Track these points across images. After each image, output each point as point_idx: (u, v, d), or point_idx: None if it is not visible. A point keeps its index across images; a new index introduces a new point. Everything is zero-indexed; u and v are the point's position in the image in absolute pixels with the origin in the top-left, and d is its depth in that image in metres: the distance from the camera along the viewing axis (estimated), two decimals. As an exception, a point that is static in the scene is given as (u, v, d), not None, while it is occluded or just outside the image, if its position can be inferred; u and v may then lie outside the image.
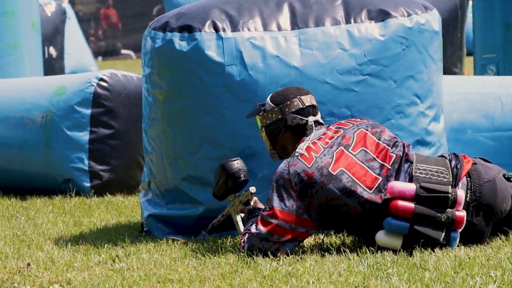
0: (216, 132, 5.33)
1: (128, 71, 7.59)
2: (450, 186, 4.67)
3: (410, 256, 4.63)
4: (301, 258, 4.70)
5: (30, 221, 6.17)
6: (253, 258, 4.70)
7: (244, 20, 5.30)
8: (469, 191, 4.76)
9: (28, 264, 4.83)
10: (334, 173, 4.70)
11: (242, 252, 4.77)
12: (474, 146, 5.73)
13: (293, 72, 5.25)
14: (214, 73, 5.25)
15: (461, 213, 4.66)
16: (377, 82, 5.31)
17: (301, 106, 4.93)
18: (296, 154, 4.77)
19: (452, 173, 4.74)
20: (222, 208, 5.25)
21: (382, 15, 5.33)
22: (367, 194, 4.71)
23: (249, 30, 5.28)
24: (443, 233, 4.66)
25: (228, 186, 5.07)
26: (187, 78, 5.30)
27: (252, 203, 5.03)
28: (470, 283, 4.11)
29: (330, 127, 4.90)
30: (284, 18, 5.33)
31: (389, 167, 4.75)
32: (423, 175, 4.71)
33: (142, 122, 5.65)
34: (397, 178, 4.73)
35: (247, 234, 4.78)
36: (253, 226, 4.76)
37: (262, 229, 4.73)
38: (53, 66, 13.57)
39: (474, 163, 4.84)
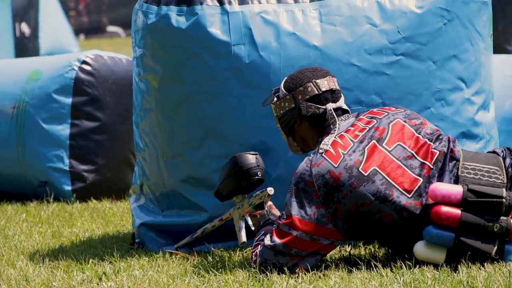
0: (221, 124, 5.35)
1: (116, 52, 7.60)
2: (504, 189, 4.64)
3: (455, 272, 4.63)
4: (324, 275, 4.71)
5: (0, 233, 6.18)
6: (266, 275, 4.70)
7: (253, -10, 5.32)
8: None
9: (-1, 284, 4.87)
10: (366, 174, 4.66)
11: (254, 268, 4.76)
12: (531, 139, 5.76)
13: (312, 53, 5.26)
14: (218, 55, 5.26)
15: None
16: (413, 63, 5.32)
17: (317, 92, 4.87)
18: (320, 151, 4.71)
19: (507, 173, 4.72)
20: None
21: (419, -17, 5.35)
22: (405, 199, 4.67)
23: (259, 2, 5.29)
24: (496, 246, 4.63)
25: (239, 183, 5.04)
26: (186, 61, 5.31)
27: (266, 208, 5.01)
28: None
29: (361, 116, 4.84)
30: (302, -13, 5.36)
31: (431, 166, 4.72)
32: (472, 176, 4.67)
33: (133, 113, 5.66)
34: (440, 179, 4.69)
35: (259, 246, 4.76)
36: (267, 237, 4.73)
37: (278, 241, 4.69)
38: (26, 46, 13.60)
39: None
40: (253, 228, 5.08)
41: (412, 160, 4.70)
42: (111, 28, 29.86)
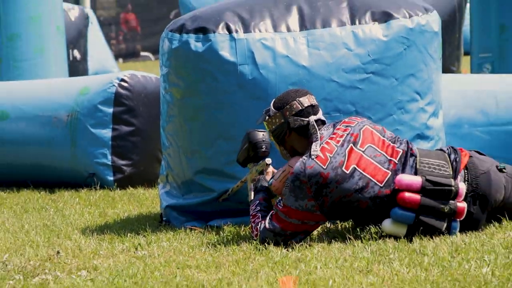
0: (229, 127, 5.34)
1: (147, 72, 7.60)
2: (452, 179, 4.67)
3: (410, 243, 4.63)
4: (309, 245, 4.71)
5: (59, 213, 6.18)
6: (265, 245, 4.70)
7: (255, 22, 5.30)
8: (466, 182, 4.76)
9: (58, 252, 4.86)
10: (348, 172, 4.69)
11: (255, 240, 4.78)
12: (470, 140, 5.73)
13: (301, 71, 5.25)
14: (227, 73, 5.25)
15: (462, 205, 4.67)
16: (380, 80, 5.30)
17: (300, 108, 4.84)
18: (312, 156, 4.71)
19: (452, 166, 4.75)
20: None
21: (385, 17, 5.32)
22: (378, 188, 4.71)
23: (260, 31, 5.28)
24: (445, 223, 4.67)
25: (249, 154, 5.07)
26: (203, 77, 5.30)
27: (264, 174, 5.02)
28: (466, 266, 4.13)
29: (338, 126, 4.85)
30: (293, 19, 5.33)
31: (397, 162, 4.75)
32: (427, 169, 4.71)
33: (160, 120, 5.66)
34: (404, 171, 4.73)
35: (261, 225, 4.78)
36: (268, 221, 4.77)
37: (276, 225, 4.74)
38: (77, 68, 13.58)
39: (471, 156, 4.84)
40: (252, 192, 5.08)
41: (381, 157, 4.74)
42: (143, 53, 29.72)
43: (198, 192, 5.46)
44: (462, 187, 4.68)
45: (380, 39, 5.30)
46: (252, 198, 5.01)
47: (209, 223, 5.41)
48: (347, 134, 4.77)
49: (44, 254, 4.86)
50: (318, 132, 4.80)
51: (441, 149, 4.89)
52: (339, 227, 5.12)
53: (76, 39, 13.97)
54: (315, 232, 4.96)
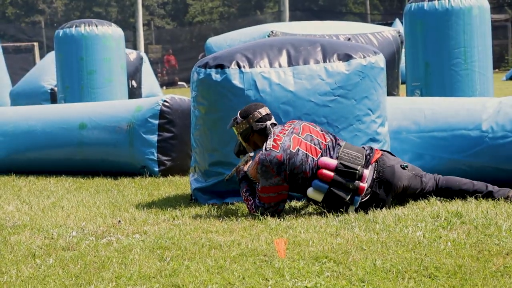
0: (239, 134, 5.24)
1: (182, 95, 7.51)
2: (360, 166, 4.61)
3: (366, 214, 4.55)
4: (295, 217, 4.62)
5: (120, 193, 6.09)
6: (264, 217, 4.62)
7: (257, 60, 5.22)
8: (375, 171, 4.67)
9: (119, 221, 4.79)
10: (294, 151, 4.65)
11: (255, 214, 4.69)
12: (407, 143, 5.66)
13: (289, 94, 5.16)
14: (237, 95, 5.15)
15: (363, 185, 4.60)
16: (344, 100, 5.20)
17: (259, 116, 4.85)
18: (268, 146, 4.69)
19: (366, 158, 4.69)
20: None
21: (347, 57, 5.25)
22: (314, 161, 4.66)
23: (260, 67, 5.20)
24: (349, 195, 4.58)
25: (240, 148, 5.01)
26: (220, 99, 5.21)
27: (247, 165, 4.93)
28: (405, 231, 4.09)
29: (285, 125, 4.84)
30: (283, 59, 5.25)
31: (326, 144, 4.71)
32: (346, 156, 4.65)
33: (190, 128, 5.58)
34: (330, 152, 4.68)
35: (254, 205, 4.71)
36: (257, 201, 4.71)
37: (262, 202, 4.68)
38: (134, 93, 13.52)
39: (382, 155, 4.77)
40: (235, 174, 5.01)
41: (315, 141, 4.71)
42: (180, 83, 29.77)
43: (214, 177, 5.35)
44: (366, 172, 4.60)
45: (343, 72, 5.21)
46: (238, 179, 4.94)
47: (224, 200, 5.30)
48: (290, 128, 4.75)
49: (109, 222, 4.79)
50: (271, 131, 4.78)
51: (363, 147, 4.83)
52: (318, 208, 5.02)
53: (134, 73, 13.92)
54: (298, 210, 4.87)
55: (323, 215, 4.61)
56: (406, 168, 4.78)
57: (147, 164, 7.06)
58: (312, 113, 5.14)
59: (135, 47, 24.77)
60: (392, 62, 9.25)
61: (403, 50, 8.88)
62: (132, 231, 4.47)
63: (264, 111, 4.88)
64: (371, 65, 5.26)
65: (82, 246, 4.13)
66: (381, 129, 5.34)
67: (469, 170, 5.35)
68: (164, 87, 27.57)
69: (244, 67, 5.18)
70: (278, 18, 26.31)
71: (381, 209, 4.65)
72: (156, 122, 7.07)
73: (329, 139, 4.74)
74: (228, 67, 5.18)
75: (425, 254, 3.60)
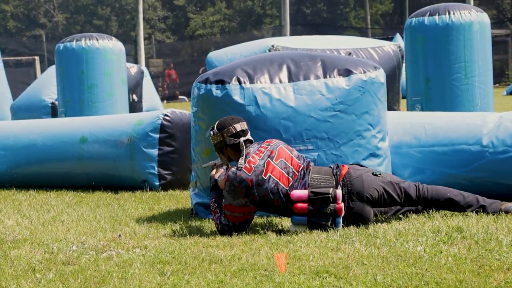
0: (240, 149, 5.24)
1: (183, 109, 7.53)
2: (331, 188, 4.59)
3: (367, 229, 4.55)
4: (296, 231, 4.62)
5: (120, 207, 6.10)
6: (264, 231, 4.62)
7: (257, 76, 5.24)
8: (343, 187, 4.66)
9: (119, 235, 4.79)
10: (265, 178, 4.63)
11: (218, 232, 4.70)
12: (407, 157, 5.68)
13: (290, 110, 5.17)
14: (238, 111, 5.15)
15: (340, 205, 4.57)
16: (344, 116, 5.22)
17: (233, 132, 4.81)
18: (240, 166, 4.67)
19: (335, 178, 4.66)
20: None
21: (347, 72, 5.26)
22: (285, 190, 4.64)
23: (260, 82, 5.22)
24: (330, 220, 4.56)
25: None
26: (220, 114, 5.18)
27: (217, 171, 4.94)
28: (406, 246, 4.09)
29: (262, 145, 4.80)
30: (284, 74, 5.27)
31: (297, 173, 4.69)
32: (315, 182, 4.63)
33: (191, 143, 5.59)
34: (302, 181, 4.66)
35: (219, 220, 4.69)
36: (223, 218, 4.69)
37: (228, 221, 4.67)
38: (135, 107, 13.55)
39: (349, 169, 4.75)
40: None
41: (288, 169, 4.67)
42: (180, 97, 29.80)
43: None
44: (339, 192, 4.58)
45: (344, 88, 5.23)
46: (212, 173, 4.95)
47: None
48: (267, 150, 4.72)
49: (110, 236, 4.79)
50: (245, 149, 4.76)
51: (330, 166, 4.81)
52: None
53: (135, 87, 13.95)
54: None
55: (323, 229, 4.61)
56: (379, 175, 4.76)
57: (147, 178, 7.07)
58: (313, 129, 5.16)
59: (136, 61, 24.82)
60: (392, 77, 9.27)
61: (404, 64, 8.92)
62: (133, 246, 4.47)
63: (239, 126, 4.84)
64: (371, 80, 5.28)
65: (82, 261, 4.13)
66: (381, 144, 5.36)
67: (470, 184, 5.36)
68: (165, 101, 27.60)
69: (244, 82, 5.20)
70: (279, 32, 26.39)
71: (363, 223, 4.65)
72: (157, 136, 7.09)
73: (302, 166, 4.72)
74: (229, 83, 5.20)
75: (426, 269, 3.61)
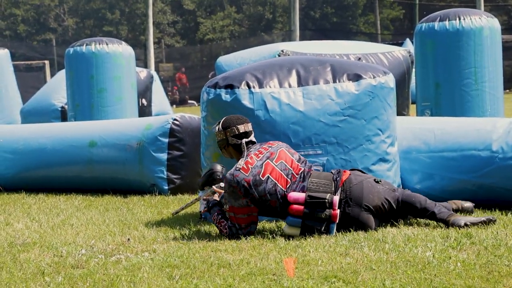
0: (249, 153, 5.25)
1: (192, 114, 7.55)
2: (329, 194, 4.58)
3: (376, 234, 4.54)
4: (305, 236, 4.62)
5: (129, 211, 6.12)
6: (273, 236, 4.63)
7: (267, 81, 5.25)
8: (342, 192, 4.66)
9: (128, 239, 4.80)
10: (263, 179, 4.65)
11: (225, 236, 4.70)
12: (417, 163, 5.67)
13: (299, 115, 5.18)
14: (247, 115, 5.16)
15: (336, 212, 4.56)
16: (353, 120, 5.23)
17: (237, 133, 4.88)
18: (238, 167, 4.70)
19: (334, 184, 4.66)
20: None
21: (356, 77, 5.27)
22: (283, 192, 4.66)
23: (270, 87, 5.23)
24: (324, 225, 4.56)
25: (208, 179, 5.02)
26: (230, 118, 5.24)
27: (215, 195, 4.97)
28: (415, 251, 4.08)
29: (263, 145, 4.83)
30: (293, 79, 5.28)
31: (296, 176, 4.70)
32: (314, 186, 4.63)
33: (200, 147, 5.60)
34: (301, 184, 4.67)
35: (227, 227, 4.68)
36: (229, 223, 4.70)
37: (234, 223, 4.68)
38: (144, 111, 13.57)
39: (350, 175, 4.75)
40: (204, 201, 5.04)
41: (287, 171, 4.68)
42: (190, 101, 29.86)
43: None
44: (336, 198, 4.57)
45: (353, 93, 5.24)
46: (203, 210, 4.99)
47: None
48: (267, 152, 4.74)
49: (119, 240, 4.81)
50: (246, 151, 4.80)
51: (331, 171, 4.81)
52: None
53: (144, 91, 13.97)
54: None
55: (332, 235, 4.61)
56: (379, 182, 4.76)
57: (156, 182, 7.09)
58: (322, 133, 5.17)
59: (145, 65, 24.90)
60: (402, 82, 9.27)
61: (414, 70, 8.92)
62: (141, 249, 4.48)
63: (243, 128, 4.89)
64: (381, 85, 5.29)
65: (91, 264, 4.15)
66: (390, 149, 5.36)
67: (479, 190, 5.36)
68: (175, 106, 27.63)
69: (254, 87, 5.21)
70: (289, 37, 26.42)
71: (363, 229, 4.64)
72: (166, 140, 7.11)
73: (302, 170, 4.73)
74: (238, 87, 5.21)
75: (435, 275, 3.60)
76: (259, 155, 4.74)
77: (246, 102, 5.19)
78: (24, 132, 8.01)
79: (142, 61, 27.30)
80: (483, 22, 7.86)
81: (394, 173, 5.37)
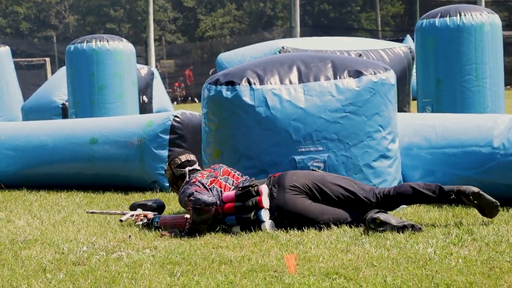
0: (249, 150, 5.24)
1: (193, 111, 7.55)
2: (257, 185, 4.73)
3: (377, 231, 4.54)
4: (306, 232, 4.62)
5: (130, 208, 6.10)
6: (274, 233, 4.62)
7: (267, 77, 5.25)
8: (269, 184, 4.76)
9: (129, 236, 4.79)
10: (210, 187, 4.85)
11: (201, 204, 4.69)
12: (418, 159, 5.67)
13: (299, 111, 5.18)
14: (248, 112, 5.17)
15: (261, 197, 4.69)
16: (354, 117, 5.22)
17: (179, 162, 5.13)
18: (187, 181, 4.96)
19: (270, 181, 4.79)
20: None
21: (357, 74, 5.27)
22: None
23: (271, 83, 5.23)
24: (252, 213, 4.68)
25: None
26: (230, 116, 5.23)
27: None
28: (416, 247, 4.08)
29: (206, 168, 5.10)
30: (294, 75, 5.28)
31: (237, 182, 4.89)
32: (243, 183, 4.86)
33: (201, 144, 5.60)
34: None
35: (193, 201, 4.69)
36: (191, 198, 4.72)
37: (192, 193, 4.73)
38: (145, 108, 13.56)
39: (280, 174, 4.85)
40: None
41: (230, 181, 4.88)
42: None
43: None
44: (262, 187, 4.69)
45: (354, 89, 5.23)
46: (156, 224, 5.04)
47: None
48: (210, 173, 4.95)
49: (120, 237, 4.80)
50: (188, 177, 5.03)
51: (269, 177, 4.91)
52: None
53: (145, 88, 13.97)
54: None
55: (333, 230, 4.61)
56: (317, 170, 4.91)
57: (157, 179, 7.08)
58: (323, 130, 5.16)
59: (146, 62, 24.88)
60: (403, 78, 9.27)
61: (414, 66, 8.91)
62: (143, 246, 4.48)
63: (184, 157, 5.16)
64: (381, 82, 5.28)
65: (93, 261, 4.14)
66: (391, 146, 5.35)
67: (481, 186, 5.32)
68: (175, 103, 27.61)
69: (254, 84, 5.21)
70: (289, 34, 26.41)
71: (305, 215, 4.65)
72: (167, 137, 7.10)
73: (244, 179, 4.93)
74: (239, 84, 5.21)
75: (436, 271, 3.60)
76: (204, 174, 4.94)
77: (247, 98, 5.18)
78: (25, 129, 8.00)
79: (143, 58, 27.29)
80: (483, 18, 7.85)
81: (395, 169, 5.36)
